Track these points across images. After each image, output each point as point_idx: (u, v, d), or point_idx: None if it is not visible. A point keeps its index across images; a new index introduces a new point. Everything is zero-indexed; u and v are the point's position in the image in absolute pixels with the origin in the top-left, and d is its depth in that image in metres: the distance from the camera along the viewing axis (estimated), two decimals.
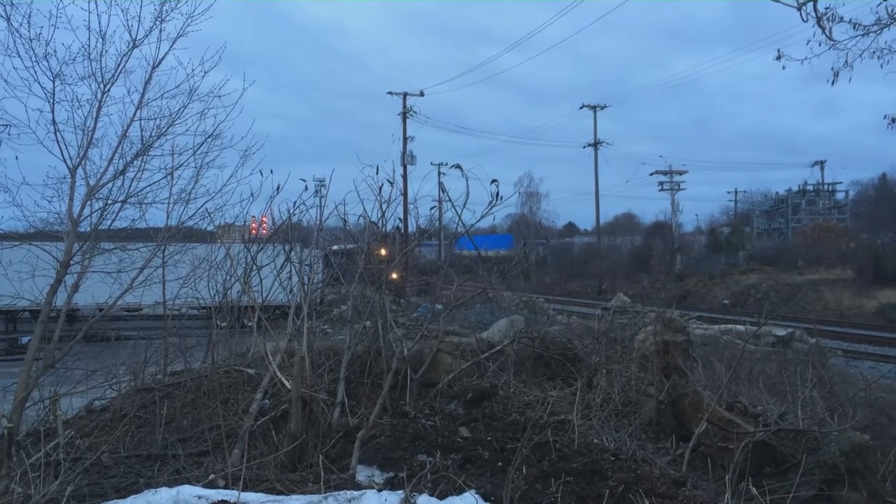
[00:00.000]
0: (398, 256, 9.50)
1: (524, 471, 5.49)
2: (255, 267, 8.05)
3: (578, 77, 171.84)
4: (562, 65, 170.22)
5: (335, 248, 9.69)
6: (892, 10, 6.74)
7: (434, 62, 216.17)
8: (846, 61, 7.19)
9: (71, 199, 6.90)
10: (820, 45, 7.05)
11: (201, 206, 7.87)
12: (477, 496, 4.91)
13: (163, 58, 7.15)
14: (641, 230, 74.94)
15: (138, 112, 7.16)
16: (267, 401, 6.91)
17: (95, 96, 6.95)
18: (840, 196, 71.75)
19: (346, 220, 8.75)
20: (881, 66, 7.16)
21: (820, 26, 6.81)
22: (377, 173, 8.03)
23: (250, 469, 5.56)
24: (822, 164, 71.68)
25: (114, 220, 7.25)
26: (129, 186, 7.19)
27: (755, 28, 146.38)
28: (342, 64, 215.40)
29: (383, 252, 9.88)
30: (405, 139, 49.97)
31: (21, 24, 6.59)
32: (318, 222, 8.60)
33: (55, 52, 6.72)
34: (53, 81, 6.76)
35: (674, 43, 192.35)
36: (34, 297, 7.14)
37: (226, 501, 4.73)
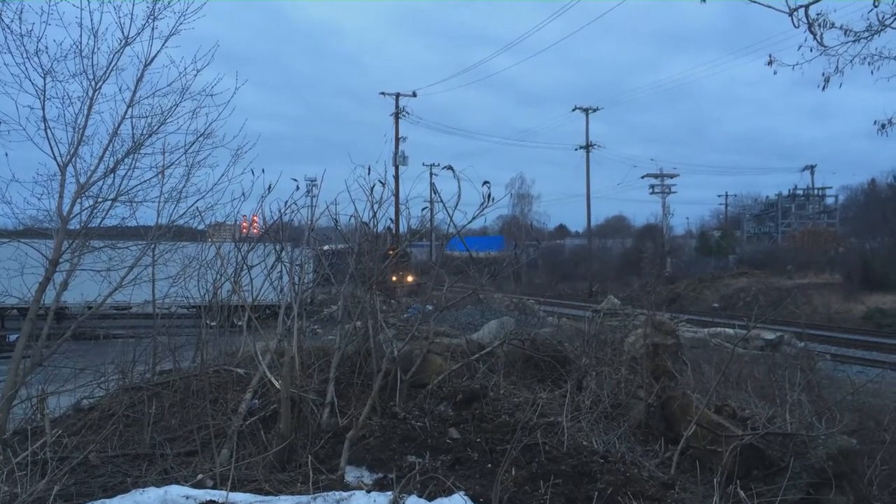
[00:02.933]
0: (390, 257, 9.46)
1: (513, 472, 5.49)
2: (245, 266, 8.02)
3: (571, 79, 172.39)
4: (555, 67, 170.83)
5: (326, 248, 9.65)
6: (883, 17, 6.78)
7: (428, 63, 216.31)
8: (837, 67, 7.23)
9: (61, 197, 6.88)
10: (811, 50, 7.08)
11: (192, 205, 7.89)
12: (466, 498, 4.91)
13: (155, 56, 7.15)
14: (632, 233, 75.25)
15: (130, 110, 7.17)
16: (256, 401, 6.88)
17: (87, 94, 6.95)
18: (830, 201, 72.15)
19: (337, 220, 8.74)
20: (872, 73, 7.22)
21: (811, 32, 6.84)
22: (369, 173, 8.02)
23: (239, 469, 5.53)
24: (812, 168, 72.16)
25: (104, 218, 7.25)
26: (120, 184, 7.20)
27: (748, 32, 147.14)
28: (336, 63, 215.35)
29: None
30: (397, 140, 50.04)
31: (12, 20, 6.60)
32: (309, 222, 8.57)
33: (46, 48, 6.72)
34: (44, 78, 6.75)
35: (667, 46, 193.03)
36: (23, 294, 7.12)
37: (214, 502, 4.71)
